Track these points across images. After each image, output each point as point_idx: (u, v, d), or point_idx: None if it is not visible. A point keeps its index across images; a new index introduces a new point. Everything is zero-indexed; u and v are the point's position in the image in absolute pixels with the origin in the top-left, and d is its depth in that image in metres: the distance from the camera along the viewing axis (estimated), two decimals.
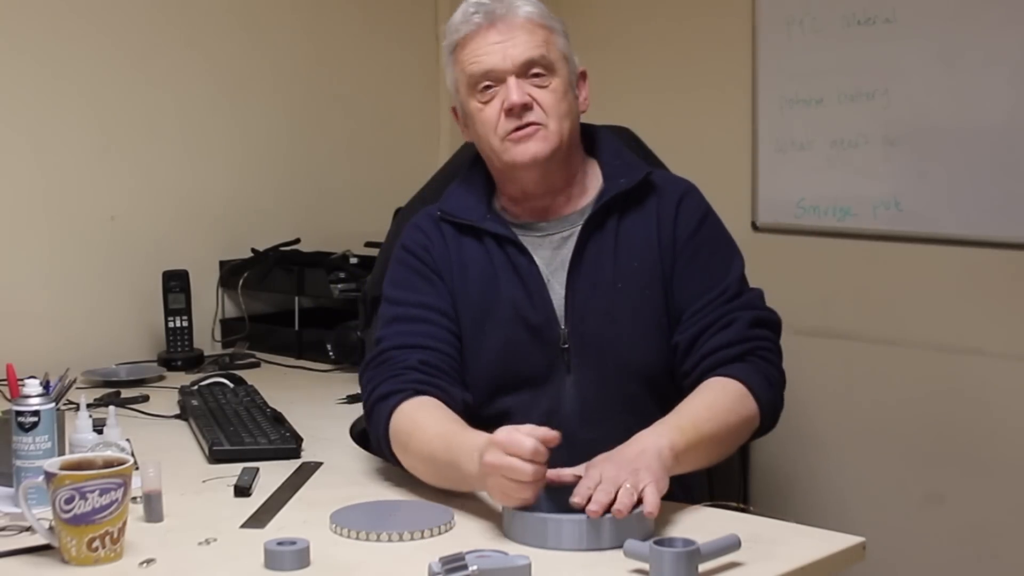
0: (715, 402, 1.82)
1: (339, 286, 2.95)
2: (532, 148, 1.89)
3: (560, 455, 1.79)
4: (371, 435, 1.90)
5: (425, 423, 1.79)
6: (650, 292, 1.94)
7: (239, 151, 3.18)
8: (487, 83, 1.90)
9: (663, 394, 1.93)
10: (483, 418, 1.91)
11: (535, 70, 1.89)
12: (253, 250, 3.13)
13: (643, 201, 1.97)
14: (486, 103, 1.91)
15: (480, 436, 1.68)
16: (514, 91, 1.88)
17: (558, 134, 1.91)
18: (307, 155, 3.31)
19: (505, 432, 1.60)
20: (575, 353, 1.93)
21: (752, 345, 1.91)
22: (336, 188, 3.36)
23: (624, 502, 1.55)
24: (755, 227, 3.27)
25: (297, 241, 3.15)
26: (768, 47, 3.18)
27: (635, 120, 2.47)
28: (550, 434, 1.60)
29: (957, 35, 2.85)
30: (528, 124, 1.89)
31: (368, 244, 3.04)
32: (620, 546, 1.51)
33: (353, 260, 3.04)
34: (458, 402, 1.85)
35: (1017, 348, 2.84)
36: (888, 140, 2.99)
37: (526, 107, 1.88)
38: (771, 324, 1.99)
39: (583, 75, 2.00)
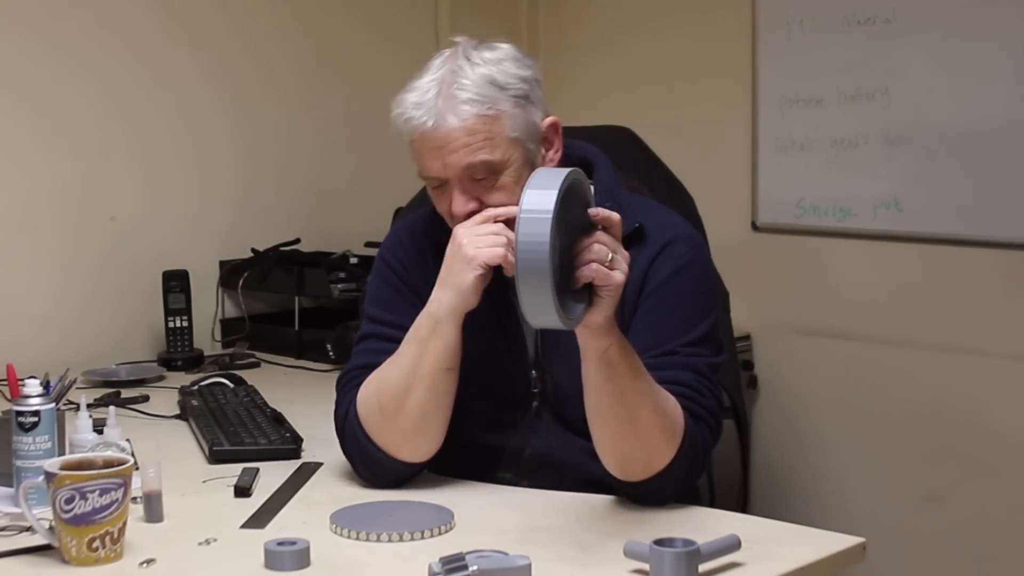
0: (667, 395, 1.72)
1: (339, 286, 2.95)
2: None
3: (550, 476, 1.85)
4: (346, 454, 1.89)
5: (378, 372, 1.83)
6: None
7: (239, 151, 3.18)
8: (436, 183, 1.84)
9: None
10: (472, 446, 1.90)
11: (479, 174, 1.80)
12: (253, 250, 3.13)
13: (627, 247, 1.79)
14: (439, 195, 1.85)
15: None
16: (457, 202, 1.80)
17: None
18: (307, 155, 3.31)
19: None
20: (542, 401, 1.89)
21: (697, 409, 1.76)
22: (336, 188, 3.36)
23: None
24: (755, 227, 3.27)
25: (297, 241, 3.15)
26: (768, 47, 3.18)
27: (635, 120, 2.48)
28: None
29: (957, 35, 2.85)
30: None
31: (368, 244, 3.04)
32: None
33: (353, 260, 3.04)
34: None
35: (1017, 348, 2.84)
36: (888, 140, 2.99)
37: (472, 213, 1.81)
38: (698, 411, 1.78)
39: (555, 127, 1.87)
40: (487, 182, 1.80)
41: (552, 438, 1.88)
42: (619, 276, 1.57)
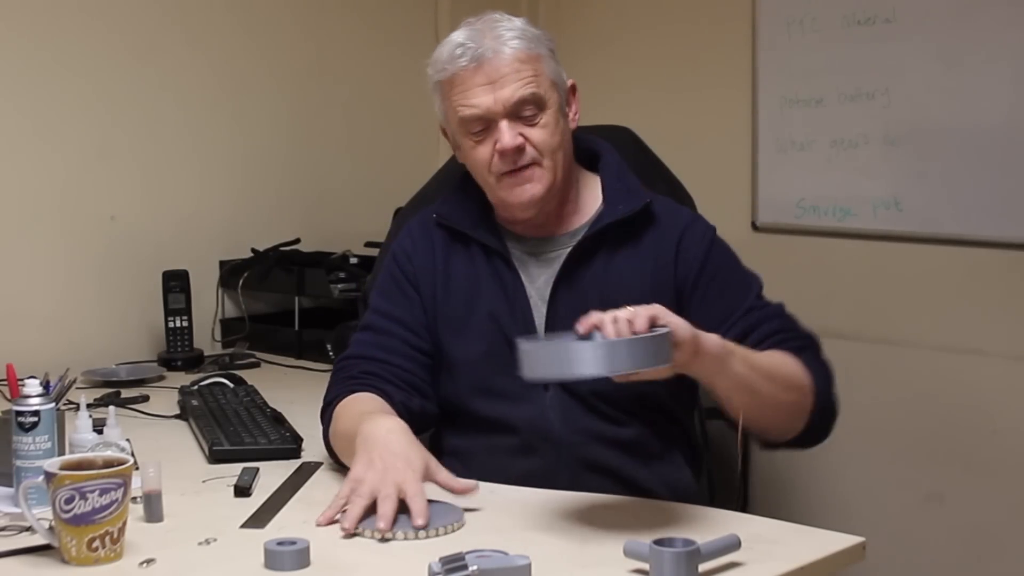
0: (770, 354, 1.79)
1: (339, 286, 2.96)
2: (528, 191, 1.88)
3: (548, 455, 1.88)
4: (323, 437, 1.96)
5: (351, 406, 1.87)
6: None
7: (240, 151, 3.18)
8: (479, 126, 1.88)
9: (644, 415, 1.94)
10: (473, 420, 1.96)
11: (526, 110, 1.86)
12: (253, 250, 3.13)
13: (640, 233, 1.94)
14: (479, 142, 1.89)
15: (395, 422, 1.76)
16: (506, 135, 1.85)
17: (552, 171, 1.89)
18: (307, 155, 3.32)
19: (440, 475, 1.72)
20: None
21: (801, 342, 1.87)
22: (336, 188, 3.36)
23: (637, 324, 1.54)
24: (755, 227, 3.27)
25: (297, 241, 3.15)
26: (768, 47, 3.18)
27: (635, 120, 2.47)
28: (468, 488, 1.72)
29: (957, 35, 2.85)
30: (522, 167, 1.87)
31: (368, 244, 3.04)
32: (636, 370, 1.52)
33: (353, 260, 3.04)
34: (396, 403, 1.89)
35: (1017, 348, 2.84)
36: (888, 140, 2.99)
37: (519, 149, 1.86)
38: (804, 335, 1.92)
39: (573, 88, 1.96)
40: (531, 120, 1.87)
41: (554, 415, 1.91)
42: (623, 323, 1.55)
